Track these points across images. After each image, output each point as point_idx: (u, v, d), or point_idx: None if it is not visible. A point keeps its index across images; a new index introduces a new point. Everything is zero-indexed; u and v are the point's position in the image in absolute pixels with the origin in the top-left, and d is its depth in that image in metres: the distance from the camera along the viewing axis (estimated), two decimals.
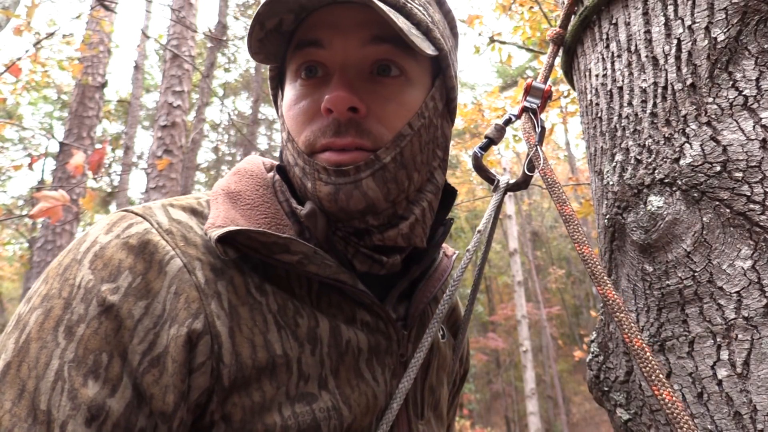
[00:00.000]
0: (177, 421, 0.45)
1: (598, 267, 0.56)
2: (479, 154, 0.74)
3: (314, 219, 0.56)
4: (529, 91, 0.75)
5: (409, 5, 0.56)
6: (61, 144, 4.86)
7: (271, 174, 0.64)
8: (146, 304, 0.47)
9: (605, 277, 0.56)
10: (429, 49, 0.54)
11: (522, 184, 0.73)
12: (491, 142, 0.74)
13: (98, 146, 5.51)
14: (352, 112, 0.54)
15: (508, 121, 0.74)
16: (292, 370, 0.51)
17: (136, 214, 0.53)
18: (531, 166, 0.70)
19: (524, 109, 0.74)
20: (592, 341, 0.67)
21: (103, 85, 5.67)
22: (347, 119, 0.54)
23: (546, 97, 0.74)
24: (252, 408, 0.48)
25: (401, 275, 0.64)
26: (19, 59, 3.52)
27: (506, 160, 9.96)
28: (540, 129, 0.71)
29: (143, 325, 0.46)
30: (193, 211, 0.57)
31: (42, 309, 0.47)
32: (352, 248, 0.58)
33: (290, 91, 0.60)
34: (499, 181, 0.75)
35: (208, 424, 0.47)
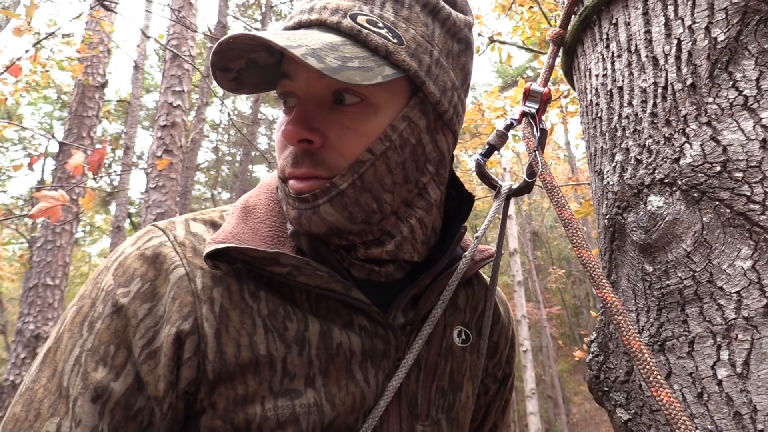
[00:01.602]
0: (166, 405, 0.53)
1: (597, 270, 0.56)
2: (482, 162, 0.73)
3: (298, 238, 0.61)
4: (528, 95, 0.74)
5: (365, 32, 0.55)
6: (61, 144, 4.86)
7: None
8: (150, 306, 0.54)
9: (604, 280, 0.56)
10: (375, 79, 0.52)
11: (524, 189, 0.73)
12: (493, 148, 0.74)
13: (98, 146, 5.51)
14: (307, 143, 0.57)
15: (509, 127, 0.74)
16: (276, 368, 0.56)
17: (159, 228, 0.61)
18: (531, 172, 0.70)
19: (524, 114, 0.73)
20: (592, 341, 0.67)
21: (103, 85, 5.67)
22: (302, 150, 0.57)
23: (545, 101, 0.74)
24: (235, 399, 0.54)
25: (410, 282, 0.65)
26: (19, 59, 3.52)
27: (506, 160, 9.96)
28: (539, 133, 0.70)
29: (145, 324, 0.54)
30: (213, 224, 0.63)
31: (77, 306, 0.57)
32: (346, 259, 0.62)
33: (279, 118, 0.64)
34: (501, 187, 0.74)
35: (199, 410, 0.55)
